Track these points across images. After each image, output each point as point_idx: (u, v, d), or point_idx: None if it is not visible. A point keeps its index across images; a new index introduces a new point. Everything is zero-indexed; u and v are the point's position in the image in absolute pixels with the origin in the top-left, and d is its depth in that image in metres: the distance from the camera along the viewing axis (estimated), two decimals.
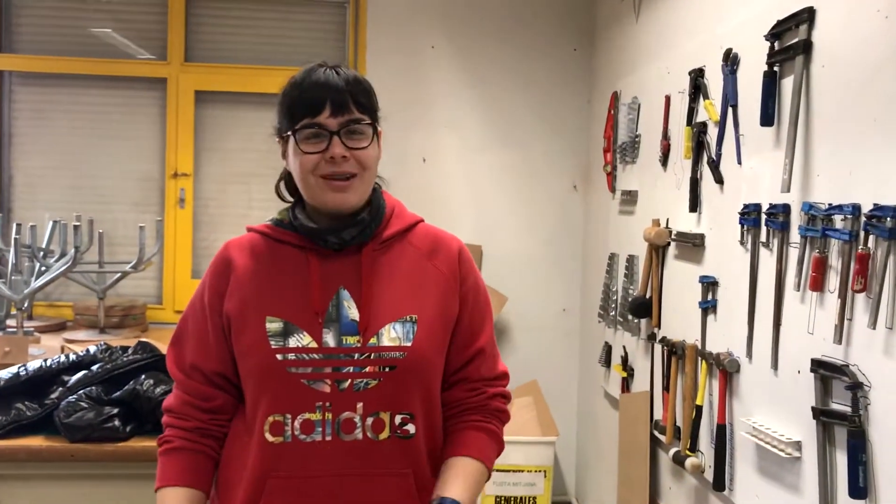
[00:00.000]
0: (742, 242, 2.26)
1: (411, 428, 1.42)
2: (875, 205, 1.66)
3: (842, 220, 1.78)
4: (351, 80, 1.41)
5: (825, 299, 1.85)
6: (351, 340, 1.39)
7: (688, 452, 2.53)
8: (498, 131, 4.13)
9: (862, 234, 1.70)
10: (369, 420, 1.39)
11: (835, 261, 1.81)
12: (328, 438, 1.37)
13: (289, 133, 1.42)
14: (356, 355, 1.39)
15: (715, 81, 2.49)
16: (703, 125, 2.56)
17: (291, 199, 1.55)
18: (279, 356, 1.38)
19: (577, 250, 4.18)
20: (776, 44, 2.08)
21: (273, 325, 1.40)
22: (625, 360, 3.30)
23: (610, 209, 3.62)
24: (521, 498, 3.84)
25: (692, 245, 2.61)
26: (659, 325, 2.93)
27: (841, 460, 1.77)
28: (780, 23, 2.05)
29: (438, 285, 1.48)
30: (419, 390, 1.43)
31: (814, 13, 1.92)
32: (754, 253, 2.19)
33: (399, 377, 1.40)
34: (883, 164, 1.66)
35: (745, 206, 2.22)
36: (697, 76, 2.61)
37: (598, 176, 3.85)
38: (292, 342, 1.38)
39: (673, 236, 2.79)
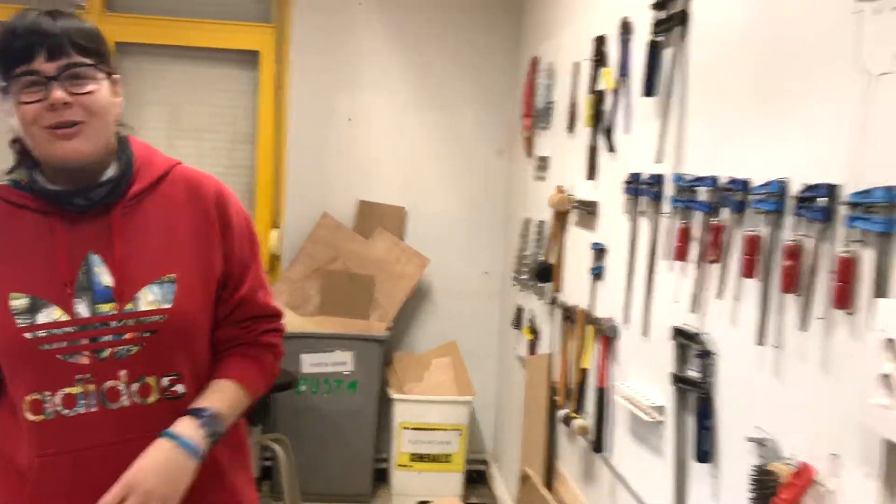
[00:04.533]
0: (626, 211, 2.29)
1: (180, 388, 1.40)
2: (730, 178, 1.69)
3: (705, 191, 1.81)
4: (67, 23, 1.31)
5: (687, 269, 1.89)
6: (106, 308, 1.34)
7: (574, 414, 2.59)
8: (426, 93, 4.11)
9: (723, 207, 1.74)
10: (135, 386, 1.35)
11: (698, 232, 1.85)
12: (94, 409, 1.34)
13: (5, 85, 1.29)
14: (113, 323, 1.34)
15: (615, 50, 2.50)
16: (602, 93, 2.58)
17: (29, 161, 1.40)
18: (28, 335, 1.31)
19: (501, 215, 4.19)
20: (661, 14, 2.09)
21: (18, 302, 1.32)
22: (532, 322, 3.35)
23: (527, 174, 3.64)
24: (436, 455, 3.90)
25: (587, 212, 2.64)
26: (559, 290, 2.97)
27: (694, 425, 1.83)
28: None
29: (197, 238, 1.42)
30: (184, 350, 1.40)
31: None
32: (634, 221, 2.22)
33: (161, 340, 1.36)
34: (743, 137, 1.69)
35: (630, 176, 2.25)
36: (600, 44, 2.61)
37: (519, 141, 3.86)
38: (41, 318, 1.32)
39: (573, 203, 2.82)
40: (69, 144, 1.29)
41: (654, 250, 2.08)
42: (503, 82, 4.11)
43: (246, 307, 1.50)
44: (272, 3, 4.04)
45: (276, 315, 1.57)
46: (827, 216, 1.35)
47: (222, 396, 1.43)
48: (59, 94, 1.27)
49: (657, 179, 2.06)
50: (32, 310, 1.32)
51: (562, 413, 2.71)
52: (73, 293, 1.34)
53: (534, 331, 3.32)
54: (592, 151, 2.64)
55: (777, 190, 1.49)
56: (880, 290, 1.22)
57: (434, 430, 3.89)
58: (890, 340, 1.13)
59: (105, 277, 1.35)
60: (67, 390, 1.33)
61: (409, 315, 4.16)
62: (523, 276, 3.51)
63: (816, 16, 1.43)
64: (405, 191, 4.13)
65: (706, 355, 1.76)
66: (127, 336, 1.34)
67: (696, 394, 1.78)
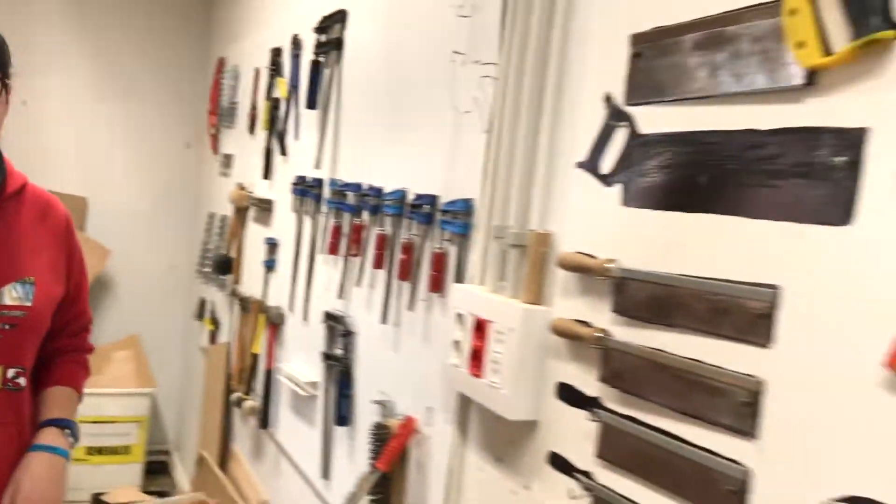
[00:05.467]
0: (293, 209, 2.55)
1: (22, 381, 1.49)
2: (369, 185, 2.01)
3: (352, 196, 2.12)
4: None
5: (338, 261, 2.19)
6: None
7: (245, 396, 2.80)
8: (111, 82, 4.06)
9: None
10: None
11: (346, 230, 2.16)
12: None
13: None
14: None
15: (288, 63, 2.75)
16: (277, 101, 2.81)
17: None
18: None
19: (189, 208, 4.27)
20: (322, 37, 2.37)
21: None
22: (213, 314, 3.50)
23: (213, 170, 3.78)
24: (114, 447, 3.89)
25: (263, 209, 2.87)
26: (239, 282, 3.16)
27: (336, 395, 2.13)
28: (324, 19, 2.34)
29: (50, 252, 1.55)
30: (32, 347, 1.51)
31: (345, 15, 2.23)
32: (299, 219, 2.49)
33: (17, 335, 1.46)
34: (378, 152, 2.01)
35: (297, 178, 2.51)
36: (276, 55, 2.85)
37: (206, 137, 3.97)
38: None
39: (252, 200, 3.03)
40: None
41: (314, 245, 2.36)
42: (192, 78, 4.19)
43: (80, 320, 1.67)
44: None
45: (91, 321, 1.73)
46: (429, 220, 1.70)
47: (71, 405, 1.59)
48: None
49: (318, 183, 2.34)
50: None
51: (235, 396, 2.90)
52: None
53: (215, 321, 3.48)
54: (268, 153, 2.87)
55: (399, 197, 1.83)
56: (459, 278, 1.59)
57: (113, 422, 3.87)
58: (459, 315, 1.49)
59: None
60: None
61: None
62: (206, 269, 3.64)
63: (427, 60, 1.78)
64: (87, 180, 4.05)
65: (348, 335, 2.07)
66: None
67: (339, 368, 2.08)
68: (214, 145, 3.75)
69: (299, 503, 2.40)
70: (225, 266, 3.21)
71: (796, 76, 0.92)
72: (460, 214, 1.58)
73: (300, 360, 2.43)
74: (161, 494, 3.66)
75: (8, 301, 1.45)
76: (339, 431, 2.10)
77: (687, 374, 1.04)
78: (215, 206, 3.69)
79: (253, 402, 2.76)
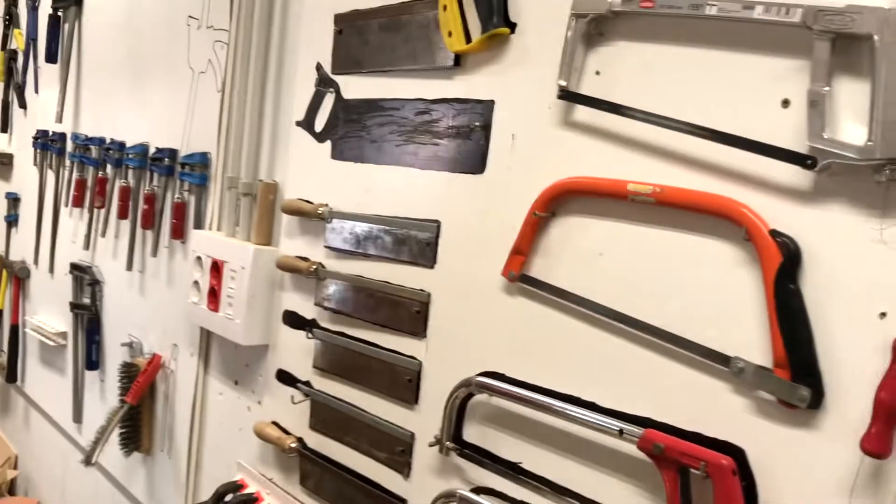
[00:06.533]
0: (35, 163, 2.55)
1: None
2: (112, 139, 2.09)
3: (95, 150, 2.19)
4: None
5: (83, 214, 2.26)
6: None
7: None
8: None
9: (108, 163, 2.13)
10: None
11: (91, 182, 2.22)
12: None
13: None
14: None
15: (25, 14, 2.70)
16: (15, 52, 2.76)
17: None
18: None
19: None
20: None
21: None
22: None
23: None
24: None
25: (3, 164, 2.81)
26: None
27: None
28: None
29: None
30: None
31: None
32: (42, 173, 2.50)
33: None
34: (121, 107, 2.10)
35: (39, 132, 2.51)
36: (12, 5, 2.78)
37: None
38: None
39: None
40: None
41: (58, 198, 2.40)
42: None
43: None
44: None
45: None
46: (170, 172, 1.84)
47: None
48: None
49: (60, 137, 2.36)
50: None
51: None
52: None
53: None
54: (6, 106, 2.80)
55: (141, 151, 1.94)
56: (198, 224, 1.75)
57: None
58: (198, 258, 1.66)
59: None
60: None
61: None
62: None
63: (166, 22, 1.90)
64: None
65: (95, 284, 2.15)
66: None
67: (88, 316, 2.16)
68: None
69: (52, 451, 2.46)
70: None
71: (448, 58, 1.19)
72: (198, 167, 1.74)
73: (48, 312, 2.46)
74: None
75: None
76: (90, 376, 2.19)
77: (379, 293, 1.31)
78: None
79: None
